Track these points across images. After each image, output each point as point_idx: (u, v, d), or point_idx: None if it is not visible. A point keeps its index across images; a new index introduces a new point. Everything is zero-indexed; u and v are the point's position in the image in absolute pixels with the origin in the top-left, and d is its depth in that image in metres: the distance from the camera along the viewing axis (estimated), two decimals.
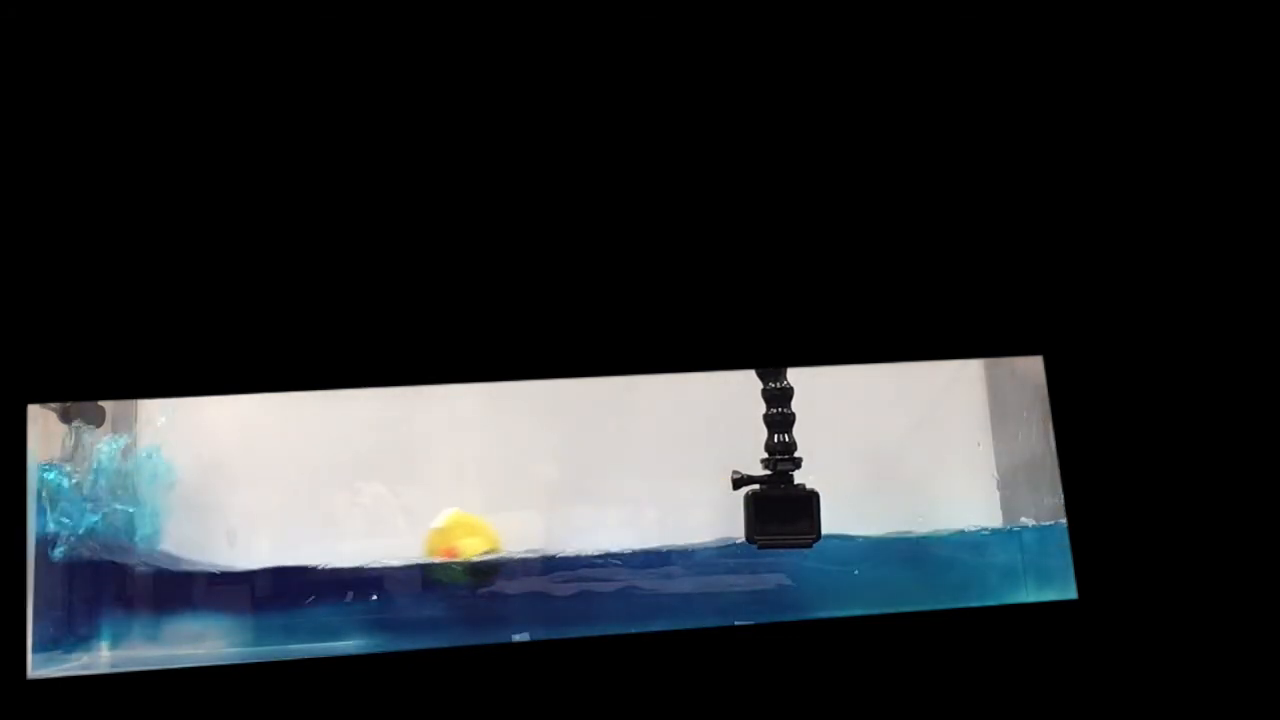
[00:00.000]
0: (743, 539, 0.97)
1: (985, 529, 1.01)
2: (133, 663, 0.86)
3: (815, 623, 0.88)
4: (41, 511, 0.87)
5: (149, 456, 0.96)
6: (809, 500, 0.97)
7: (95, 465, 0.93)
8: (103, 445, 0.94)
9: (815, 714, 0.85)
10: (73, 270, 0.85)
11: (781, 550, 0.97)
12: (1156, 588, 0.89)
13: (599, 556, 0.95)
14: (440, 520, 0.98)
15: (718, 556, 0.97)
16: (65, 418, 0.93)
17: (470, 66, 0.91)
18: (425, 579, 0.93)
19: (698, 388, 1.02)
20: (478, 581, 0.93)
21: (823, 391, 1.01)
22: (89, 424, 0.94)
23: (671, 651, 0.85)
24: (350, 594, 0.91)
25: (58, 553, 0.88)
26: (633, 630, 0.88)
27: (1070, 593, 0.89)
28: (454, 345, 0.87)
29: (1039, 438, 0.97)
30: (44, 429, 0.89)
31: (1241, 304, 0.94)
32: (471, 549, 0.96)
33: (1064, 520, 0.90)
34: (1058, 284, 0.94)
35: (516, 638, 0.88)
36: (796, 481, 0.98)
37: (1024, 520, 1.01)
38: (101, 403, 0.95)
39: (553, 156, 0.91)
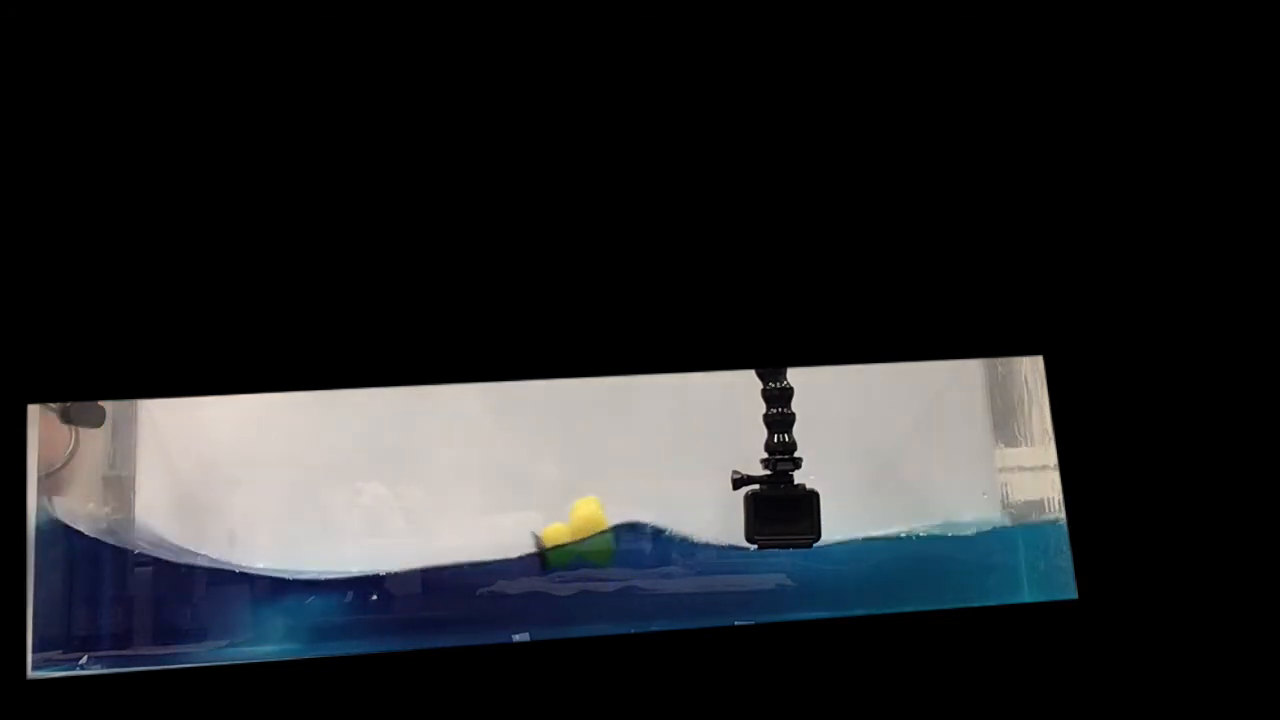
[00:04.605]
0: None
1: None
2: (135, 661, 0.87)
3: (815, 623, 0.88)
4: None
5: None
6: (809, 500, 0.97)
7: None
8: None
9: (815, 714, 0.85)
10: (73, 270, 0.85)
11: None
12: (1156, 588, 0.89)
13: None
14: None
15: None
16: (65, 418, 0.93)
17: (470, 66, 0.91)
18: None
19: (698, 388, 1.02)
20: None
21: (823, 391, 1.02)
22: (89, 424, 0.95)
23: (671, 651, 0.85)
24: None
25: None
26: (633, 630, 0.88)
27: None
28: (454, 345, 0.87)
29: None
30: (44, 429, 0.89)
31: (1242, 304, 0.94)
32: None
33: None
34: (1058, 284, 0.94)
35: (516, 638, 0.88)
36: (796, 482, 0.99)
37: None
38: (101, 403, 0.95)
39: (552, 156, 0.91)
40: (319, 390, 0.86)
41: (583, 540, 0.96)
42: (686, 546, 0.96)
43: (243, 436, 1.01)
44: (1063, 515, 0.90)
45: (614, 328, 0.89)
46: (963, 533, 1.01)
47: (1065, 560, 0.89)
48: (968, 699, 0.86)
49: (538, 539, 0.96)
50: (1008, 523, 1.04)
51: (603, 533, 0.96)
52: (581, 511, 0.97)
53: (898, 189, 0.94)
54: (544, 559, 0.95)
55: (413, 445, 1.03)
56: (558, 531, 0.97)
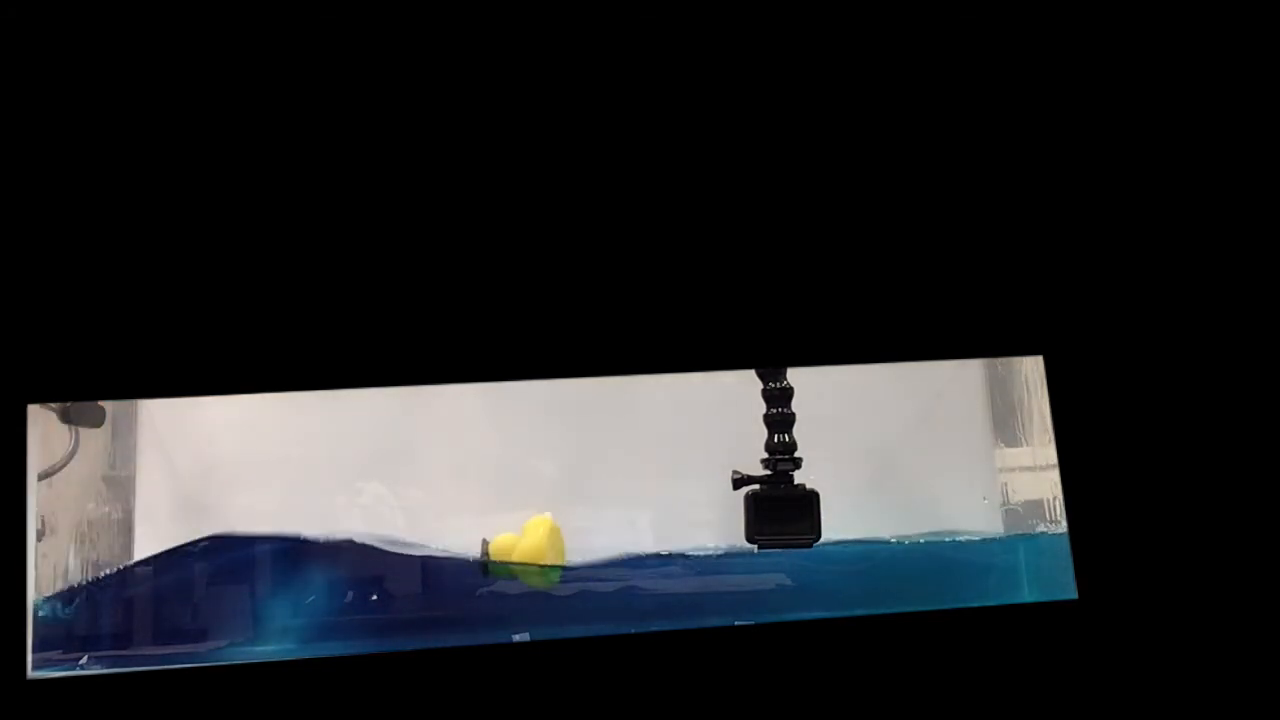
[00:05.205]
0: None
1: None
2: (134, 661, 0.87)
3: (815, 623, 0.88)
4: None
5: None
6: (809, 500, 0.97)
7: None
8: None
9: (815, 714, 0.85)
10: (73, 270, 0.85)
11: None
12: (1156, 588, 0.89)
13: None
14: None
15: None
16: (65, 418, 0.93)
17: (470, 66, 0.91)
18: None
19: (698, 388, 1.02)
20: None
21: (823, 391, 1.02)
22: (89, 424, 0.95)
23: (671, 651, 0.85)
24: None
25: None
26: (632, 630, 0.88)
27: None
28: (454, 345, 0.87)
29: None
30: (44, 429, 0.89)
31: (1242, 304, 0.94)
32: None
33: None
34: (1058, 284, 0.94)
35: (516, 638, 0.88)
36: (797, 482, 0.99)
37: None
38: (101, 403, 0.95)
39: (552, 156, 0.91)
40: (319, 390, 0.86)
41: (530, 564, 0.95)
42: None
43: (243, 436, 1.02)
44: (1063, 520, 0.90)
45: (614, 328, 0.89)
46: (962, 533, 1.01)
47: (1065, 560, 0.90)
48: (968, 699, 0.86)
49: (485, 545, 0.96)
50: (1006, 523, 1.05)
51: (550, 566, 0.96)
52: (531, 534, 0.96)
53: (898, 189, 0.94)
54: (485, 567, 0.94)
55: (413, 445, 1.03)
56: (507, 543, 0.96)
